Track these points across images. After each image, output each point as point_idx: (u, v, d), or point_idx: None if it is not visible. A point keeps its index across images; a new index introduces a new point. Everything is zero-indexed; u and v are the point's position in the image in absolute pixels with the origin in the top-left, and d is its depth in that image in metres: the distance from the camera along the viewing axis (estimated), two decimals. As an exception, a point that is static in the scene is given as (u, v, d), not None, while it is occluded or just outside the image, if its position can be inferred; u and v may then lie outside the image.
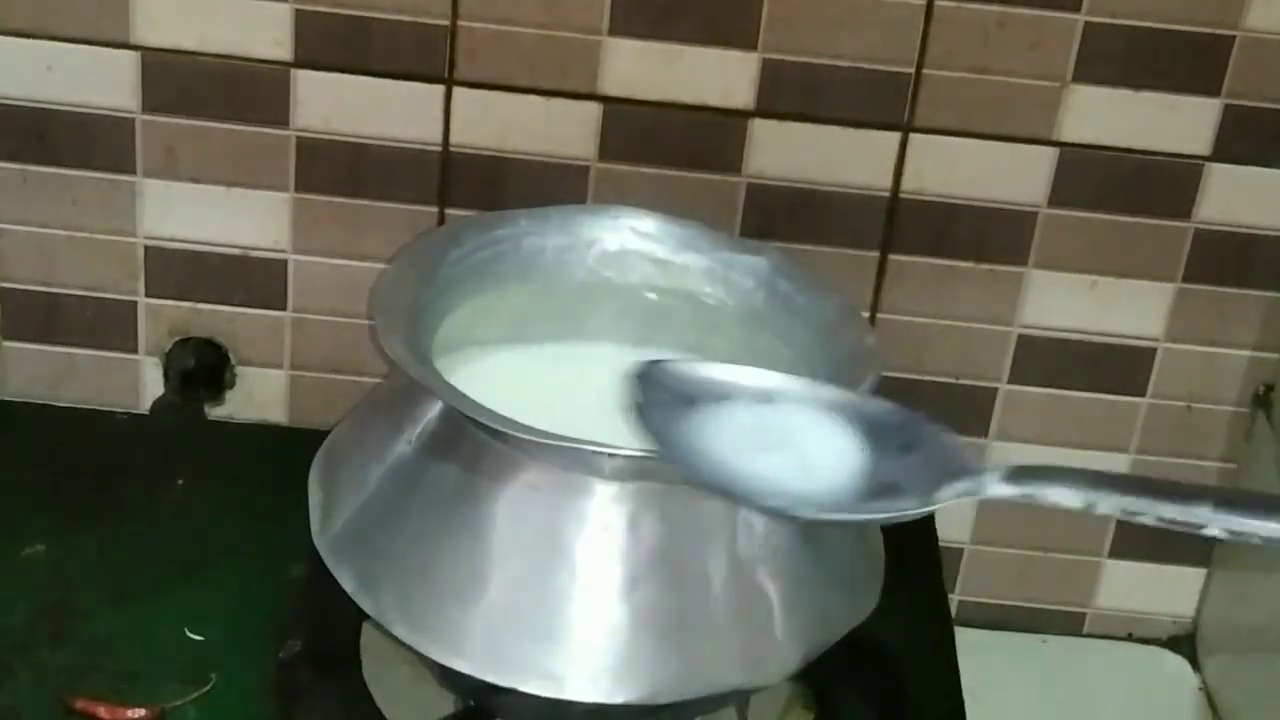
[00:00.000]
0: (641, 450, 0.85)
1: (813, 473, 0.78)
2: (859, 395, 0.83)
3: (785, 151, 1.09)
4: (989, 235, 1.11)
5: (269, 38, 1.08)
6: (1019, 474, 0.76)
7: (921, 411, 0.79)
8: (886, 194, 1.10)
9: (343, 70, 1.08)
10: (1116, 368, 1.15)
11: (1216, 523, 0.72)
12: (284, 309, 1.15)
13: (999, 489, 0.76)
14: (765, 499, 0.77)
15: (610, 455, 0.85)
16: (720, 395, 0.81)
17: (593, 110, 1.09)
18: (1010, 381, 1.16)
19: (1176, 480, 0.76)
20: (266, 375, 1.18)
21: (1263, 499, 0.73)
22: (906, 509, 0.76)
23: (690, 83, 1.08)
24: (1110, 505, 0.74)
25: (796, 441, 0.79)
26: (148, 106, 1.10)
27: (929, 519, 1.16)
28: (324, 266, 1.14)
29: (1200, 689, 1.21)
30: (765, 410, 0.81)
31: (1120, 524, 1.20)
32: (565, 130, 1.09)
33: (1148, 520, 0.73)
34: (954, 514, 1.19)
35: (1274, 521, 0.71)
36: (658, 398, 0.80)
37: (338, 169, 1.11)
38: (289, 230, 1.13)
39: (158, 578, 1.05)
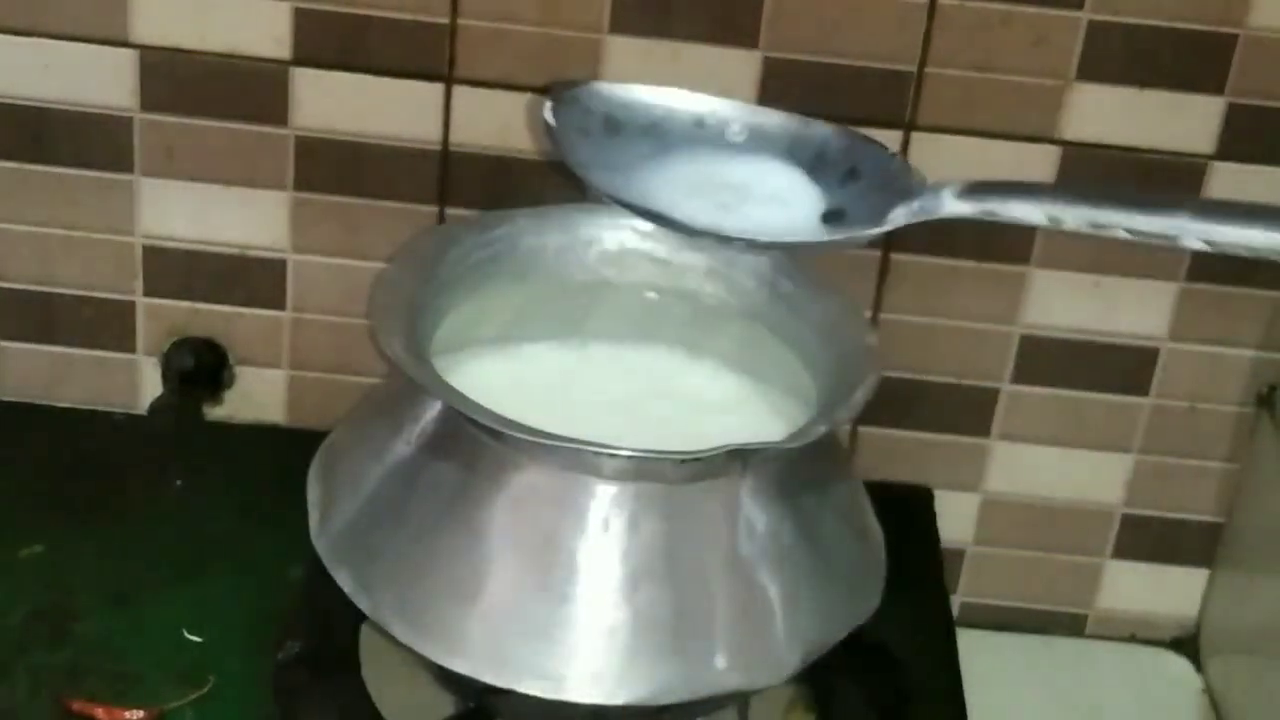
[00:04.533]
0: (642, 451, 0.85)
1: (758, 207, 0.74)
2: (798, 119, 0.78)
3: (787, 150, 1.09)
4: (991, 234, 1.11)
5: (268, 36, 1.07)
6: (977, 189, 0.71)
7: (865, 135, 0.75)
8: (888, 193, 1.10)
9: (342, 68, 1.08)
10: (1120, 368, 1.15)
11: (1193, 233, 0.65)
12: (283, 309, 1.15)
13: (956, 206, 0.72)
14: (709, 228, 0.74)
15: (610, 455, 0.85)
16: (647, 123, 0.77)
17: (593, 109, 1.08)
18: (1013, 382, 1.16)
19: (1152, 193, 0.69)
20: (265, 375, 1.17)
21: (1245, 207, 0.67)
22: (855, 232, 0.73)
23: (691, 81, 1.07)
24: (1077, 218, 0.68)
25: (738, 182, 0.75)
26: (146, 105, 1.09)
27: (931, 517, 1.17)
28: (323, 266, 1.14)
29: (1204, 690, 1.21)
30: (703, 156, 0.77)
31: (1124, 525, 1.19)
32: (565, 129, 1.09)
33: (1119, 233, 0.67)
34: (956, 515, 1.18)
35: (1257, 229, 0.65)
36: (577, 122, 0.78)
37: (337, 168, 1.11)
38: (288, 229, 1.13)
39: (156, 579, 1.05)
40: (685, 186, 0.78)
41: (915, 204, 0.73)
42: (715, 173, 0.79)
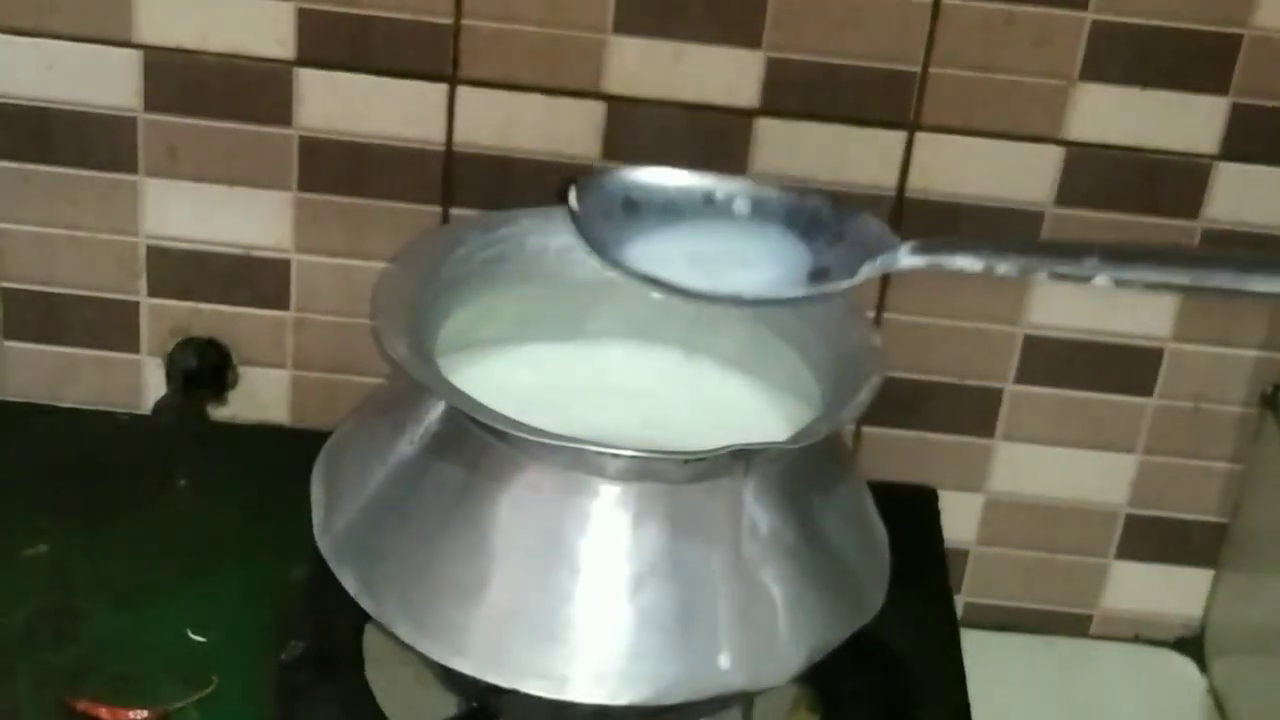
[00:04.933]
0: (645, 451, 0.85)
1: (752, 270, 0.88)
2: (795, 193, 0.90)
3: (790, 150, 1.09)
4: (995, 234, 1.11)
5: (271, 36, 1.07)
6: (926, 246, 0.84)
7: (849, 204, 0.87)
8: (892, 193, 1.10)
9: (345, 69, 1.08)
10: (1123, 368, 1.15)
11: (1104, 272, 0.78)
12: (286, 309, 1.15)
13: (909, 260, 0.83)
14: (702, 289, 0.86)
15: (614, 455, 0.85)
16: (662, 202, 0.89)
17: (596, 109, 1.08)
18: (1016, 382, 1.16)
19: (1070, 240, 0.86)
20: (269, 375, 1.17)
21: (1144, 250, 0.82)
22: (829, 287, 0.85)
23: (695, 81, 1.07)
24: (1008, 266, 0.81)
25: (737, 248, 0.88)
26: (149, 105, 1.09)
27: (934, 517, 1.17)
28: (327, 266, 1.14)
29: (1208, 691, 1.20)
30: (706, 225, 0.89)
31: (1128, 525, 1.19)
32: (569, 129, 1.09)
33: (1043, 276, 0.80)
34: (960, 515, 1.18)
35: (1150, 267, 0.79)
36: (599, 205, 0.89)
37: (340, 168, 1.11)
38: (291, 230, 1.13)
39: (159, 579, 1.05)
40: (686, 256, 0.88)
41: (878, 260, 0.84)
42: (717, 240, 0.89)
